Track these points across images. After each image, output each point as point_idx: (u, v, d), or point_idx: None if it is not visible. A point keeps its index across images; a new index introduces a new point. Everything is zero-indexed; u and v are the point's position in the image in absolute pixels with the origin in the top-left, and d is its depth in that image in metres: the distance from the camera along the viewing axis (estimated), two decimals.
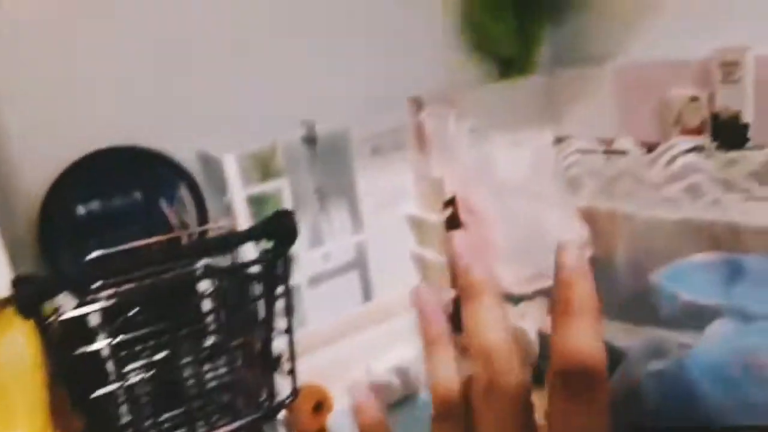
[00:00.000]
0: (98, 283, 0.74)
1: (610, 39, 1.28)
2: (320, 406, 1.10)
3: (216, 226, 0.90)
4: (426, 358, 0.36)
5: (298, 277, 1.17)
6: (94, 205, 1.09)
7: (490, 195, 1.05)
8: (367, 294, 1.31)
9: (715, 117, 1.08)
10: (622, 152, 0.69)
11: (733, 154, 0.60)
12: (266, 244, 0.80)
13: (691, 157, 0.62)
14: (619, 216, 0.74)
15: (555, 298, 0.31)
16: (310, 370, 1.12)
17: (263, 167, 1.10)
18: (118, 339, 0.70)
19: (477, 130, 0.99)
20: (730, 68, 1.05)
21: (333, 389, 1.12)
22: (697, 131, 1.12)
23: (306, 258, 1.18)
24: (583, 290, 0.30)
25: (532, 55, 1.37)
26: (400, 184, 1.25)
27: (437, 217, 1.23)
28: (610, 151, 0.72)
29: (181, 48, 1.08)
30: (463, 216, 1.28)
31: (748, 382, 0.69)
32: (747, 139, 1.05)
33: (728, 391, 0.73)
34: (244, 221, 0.99)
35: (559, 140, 1.17)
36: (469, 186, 1.22)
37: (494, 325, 0.33)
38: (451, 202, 1.28)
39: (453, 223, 1.28)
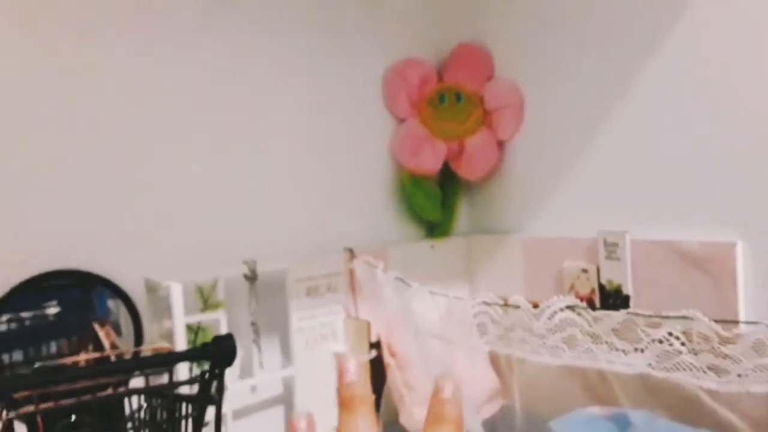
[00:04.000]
0: (26, 393, 0.79)
1: (515, 212, 1.51)
2: None
3: (152, 347, 0.96)
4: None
5: (225, 408, 1.21)
6: (28, 320, 1.14)
7: (410, 340, 1.17)
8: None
9: (602, 288, 1.28)
10: (516, 306, 0.84)
11: (597, 313, 0.75)
12: (202, 367, 0.88)
13: (567, 313, 0.77)
14: (514, 360, 0.87)
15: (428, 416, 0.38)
16: None
17: (204, 298, 1.19)
18: None
19: (401, 279, 1.13)
20: (612, 248, 1.26)
21: None
22: (588, 299, 1.31)
23: (234, 389, 1.23)
24: (451, 408, 0.38)
25: (452, 220, 1.58)
26: (330, 324, 1.36)
27: (364, 357, 1.33)
28: (507, 305, 0.87)
29: (134, 181, 1.21)
30: (386, 358, 1.38)
31: None
32: (628, 307, 1.25)
33: None
34: (182, 346, 1.06)
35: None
36: (393, 331, 1.34)
37: None
38: (375, 345, 1.39)
39: (377, 364, 1.38)
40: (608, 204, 1.31)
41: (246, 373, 1.27)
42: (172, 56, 1.25)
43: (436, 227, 1.57)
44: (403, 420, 1.32)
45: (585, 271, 1.31)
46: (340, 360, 0.40)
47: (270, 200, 1.37)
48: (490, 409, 1.26)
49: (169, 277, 1.15)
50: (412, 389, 1.32)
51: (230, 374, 1.24)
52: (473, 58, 1.53)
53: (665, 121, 1.19)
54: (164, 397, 0.90)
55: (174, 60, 1.25)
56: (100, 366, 0.88)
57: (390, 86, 1.52)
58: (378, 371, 1.37)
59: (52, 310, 1.17)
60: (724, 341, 0.66)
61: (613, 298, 1.27)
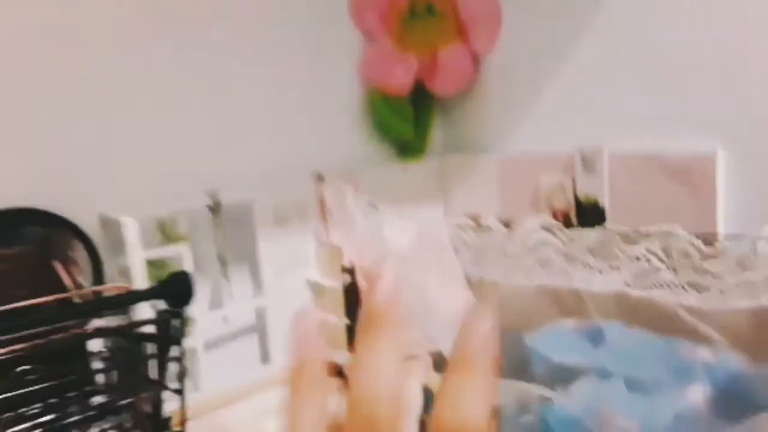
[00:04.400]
0: None
1: (490, 130, 1.45)
2: None
3: (111, 287, 0.92)
4: (290, 397, 0.31)
5: (196, 340, 1.18)
6: None
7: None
8: (265, 358, 1.33)
9: (578, 203, 1.25)
10: (488, 228, 0.80)
11: (572, 232, 0.72)
12: (162, 305, 0.84)
13: (542, 234, 0.73)
14: (488, 283, 0.84)
15: (452, 355, 0.30)
16: None
17: (165, 232, 1.13)
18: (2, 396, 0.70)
19: (372, 204, 1.08)
20: (589, 162, 1.22)
21: None
22: (564, 213, 1.28)
23: (205, 320, 1.20)
24: (480, 347, 0.29)
25: (425, 141, 1.51)
26: (301, 252, 1.31)
27: (336, 283, 1.30)
28: (479, 227, 0.83)
29: (87, 110, 1.12)
30: (360, 282, 1.36)
31: None
32: (604, 220, 1.22)
33: None
34: (141, 284, 1.01)
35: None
36: (366, 254, 1.31)
37: (387, 367, 0.29)
38: (349, 270, 1.36)
39: (351, 288, 1.36)
40: (586, 117, 1.26)
41: (216, 304, 1.24)
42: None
43: (408, 147, 1.51)
44: None
45: (561, 186, 1.27)
46: (371, 267, 0.32)
47: (231, 125, 1.28)
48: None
49: (127, 211, 1.08)
50: None
51: (199, 306, 1.21)
52: None
53: (642, 29, 1.12)
54: (125, 338, 0.87)
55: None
56: (49, 311, 0.84)
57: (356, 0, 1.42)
58: (352, 295, 1.35)
59: (9, 250, 1.11)
60: (706, 256, 0.63)
61: (589, 212, 1.24)
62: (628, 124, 1.18)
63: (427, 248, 0.92)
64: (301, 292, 1.32)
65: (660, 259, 0.65)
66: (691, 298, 0.63)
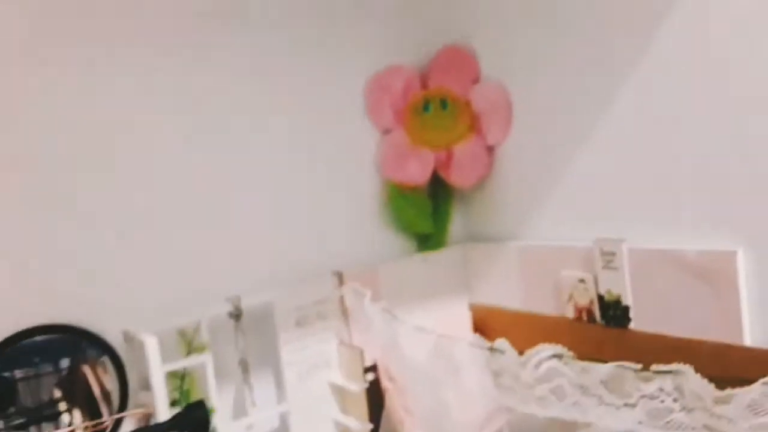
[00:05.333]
0: None
1: (509, 220, 1.45)
2: None
3: (132, 413, 0.93)
4: None
5: None
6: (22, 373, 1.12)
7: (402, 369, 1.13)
8: None
9: (600, 298, 1.23)
10: (501, 351, 0.80)
11: (585, 364, 0.70)
12: None
13: (554, 362, 0.72)
14: (503, 407, 0.83)
15: None
16: None
17: (187, 342, 1.15)
18: None
19: (388, 310, 1.09)
20: (609, 257, 1.20)
21: None
22: (587, 310, 1.26)
23: (228, 430, 1.20)
24: None
25: (444, 232, 1.52)
26: (323, 353, 1.32)
27: (359, 386, 1.29)
28: (493, 349, 0.83)
29: (112, 229, 1.17)
30: (384, 383, 1.35)
31: None
32: (629, 319, 1.19)
33: None
34: (161, 397, 1.02)
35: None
36: (388, 356, 1.30)
37: None
38: (372, 368, 1.35)
39: (375, 388, 1.35)
40: (605, 210, 1.25)
41: (240, 412, 1.24)
42: (153, 97, 1.20)
43: (428, 239, 1.52)
44: None
45: (582, 281, 1.25)
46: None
47: (251, 228, 1.32)
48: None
49: (150, 323, 1.11)
50: (412, 414, 1.28)
51: (223, 416, 1.22)
52: (458, 61, 1.46)
53: (661, 124, 1.12)
54: None
55: (154, 95, 1.20)
56: None
57: (372, 96, 1.46)
58: (376, 396, 1.33)
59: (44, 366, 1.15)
60: (718, 401, 0.61)
61: (612, 309, 1.21)
62: (648, 217, 1.16)
63: (441, 363, 0.91)
64: (324, 395, 1.31)
65: (674, 399, 0.64)
66: None
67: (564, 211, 1.34)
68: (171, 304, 1.18)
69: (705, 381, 0.62)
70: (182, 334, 1.16)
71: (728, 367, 1.06)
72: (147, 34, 1.20)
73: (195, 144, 1.26)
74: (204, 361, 1.14)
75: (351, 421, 1.29)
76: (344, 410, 1.33)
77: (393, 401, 1.31)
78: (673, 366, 0.64)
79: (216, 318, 1.19)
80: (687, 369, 0.63)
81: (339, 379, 1.31)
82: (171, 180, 1.23)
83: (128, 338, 1.09)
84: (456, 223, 1.55)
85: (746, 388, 0.59)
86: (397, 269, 1.45)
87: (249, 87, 1.32)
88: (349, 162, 1.45)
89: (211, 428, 0.82)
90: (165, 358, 1.09)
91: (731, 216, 1.04)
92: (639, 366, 0.67)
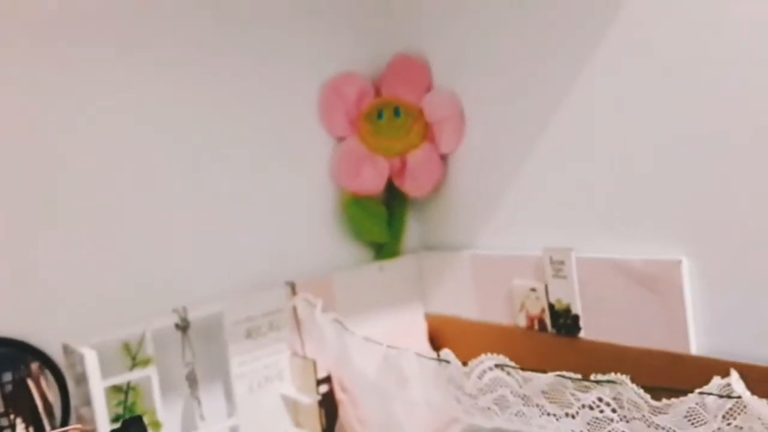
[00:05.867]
0: None
1: (463, 228, 1.45)
2: None
3: (73, 428, 0.90)
4: None
5: None
6: None
7: (355, 381, 1.12)
8: None
9: (551, 307, 1.24)
10: (447, 361, 0.79)
11: (527, 373, 0.70)
12: None
13: (497, 372, 0.72)
14: (449, 418, 0.82)
15: None
16: None
17: (132, 356, 1.12)
18: None
19: (338, 321, 1.07)
20: (558, 266, 1.22)
21: None
22: (539, 318, 1.27)
23: None
24: None
25: (399, 240, 1.52)
26: (275, 365, 1.29)
27: (312, 398, 1.27)
28: (439, 360, 0.82)
29: (55, 237, 1.13)
30: (338, 394, 1.33)
31: None
32: (579, 328, 1.21)
33: None
34: (101, 412, 0.99)
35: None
36: (341, 367, 1.28)
37: None
38: (326, 380, 1.34)
39: (329, 400, 1.33)
40: (554, 219, 1.26)
41: (188, 427, 1.21)
42: (103, 95, 1.16)
43: (383, 248, 1.51)
44: None
45: (534, 290, 1.26)
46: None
47: (200, 236, 1.29)
48: None
49: (92, 335, 1.08)
50: (365, 424, 1.27)
51: (171, 430, 1.18)
52: (411, 70, 1.46)
53: (608, 134, 1.14)
54: None
55: (96, 96, 1.17)
56: None
57: (325, 104, 1.45)
58: (329, 407, 1.32)
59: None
60: (655, 411, 0.61)
61: (563, 318, 1.23)
62: (595, 227, 1.18)
63: (390, 375, 0.90)
64: (276, 408, 1.29)
65: (612, 409, 0.64)
66: None
67: (516, 220, 1.35)
68: (115, 316, 1.14)
69: (641, 391, 0.62)
70: (126, 346, 1.12)
71: (675, 376, 1.08)
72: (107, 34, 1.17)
73: (143, 151, 1.23)
74: (149, 374, 1.11)
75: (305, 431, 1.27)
76: (297, 423, 1.31)
77: (347, 413, 1.30)
78: (611, 376, 0.64)
79: (162, 330, 1.16)
80: (624, 379, 0.63)
81: (292, 392, 1.28)
82: (118, 187, 1.20)
83: (68, 351, 1.05)
84: (411, 232, 1.55)
85: (682, 398, 0.60)
86: (352, 278, 1.44)
87: (201, 93, 1.29)
88: (303, 169, 1.43)
89: None
90: (108, 371, 1.05)
91: (676, 226, 1.06)
92: (579, 376, 0.67)
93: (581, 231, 1.21)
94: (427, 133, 1.44)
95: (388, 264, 1.50)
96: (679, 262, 1.05)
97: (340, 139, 1.46)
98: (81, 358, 0.99)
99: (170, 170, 1.26)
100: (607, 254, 1.15)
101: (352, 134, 1.45)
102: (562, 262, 1.21)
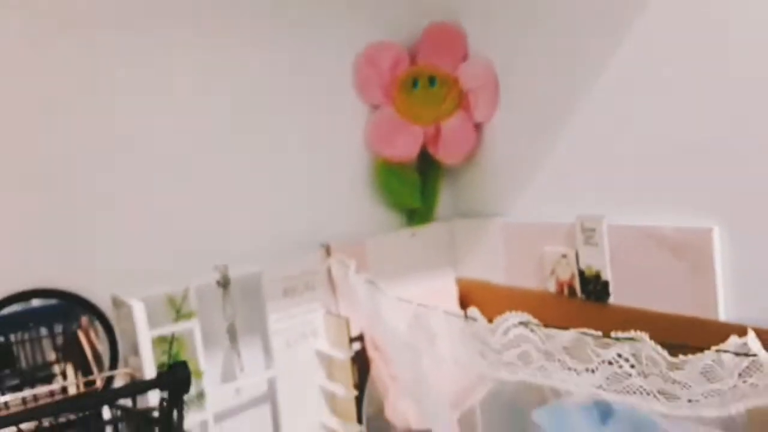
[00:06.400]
0: None
1: (496, 196, 1.47)
2: None
3: (121, 372, 0.97)
4: None
5: (207, 413, 1.22)
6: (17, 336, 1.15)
7: (386, 340, 1.16)
8: (276, 427, 1.36)
9: (581, 273, 1.25)
10: (474, 319, 0.82)
11: (549, 330, 0.73)
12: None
13: (521, 329, 0.75)
14: (476, 377, 0.86)
15: None
16: None
17: (176, 309, 1.18)
18: None
19: (371, 281, 1.11)
20: (590, 233, 1.23)
21: None
22: (568, 284, 1.29)
23: (217, 393, 1.24)
24: None
25: (432, 207, 1.55)
26: (310, 322, 1.35)
27: (345, 354, 1.33)
28: (467, 317, 0.85)
29: (98, 194, 1.19)
30: (370, 352, 1.38)
31: None
32: (609, 294, 1.22)
33: None
34: (148, 359, 1.06)
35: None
36: (373, 326, 1.33)
37: None
38: (359, 338, 1.39)
39: (361, 357, 1.38)
40: (587, 187, 1.27)
41: (228, 377, 1.28)
42: (148, 62, 1.22)
43: (416, 214, 1.54)
44: (388, 413, 1.33)
45: (564, 256, 1.28)
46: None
47: (240, 199, 1.34)
48: (466, 406, 1.24)
49: (139, 289, 1.14)
50: (396, 381, 1.32)
51: (212, 380, 1.25)
52: (446, 38, 1.47)
53: (644, 103, 1.13)
54: (135, 422, 0.92)
55: (148, 66, 1.22)
56: (67, 401, 0.89)
57: (361, 72, 1.47)
58: (362, 364, 1.37)
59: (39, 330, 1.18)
60: (672, 366, 0.63)
61: (593, 284, 1.24)
62: (628, 195, 1.18)
63: (420, 333, 0.94)
64: (311, 362, 1.35)
65: (631, 365, 0.66)
66: (662, 406, 0.63)
67: (548, 189, 1.36)
68: (160, 272, 1.20)
69: (659, 347, 0.64)
70: (171, 300, 1.19)
71: (701, 341, 1.09)
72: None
73: (186, 116, 1.28)
74: (192, 326, 1.17)
75: (337, 388, 1.32)
76: (331, 377, 1.37)
77: (378, 370, 1.35)
78: (631, 333, 0.66)
79: (204, 286, 1.23)
80: (643, 336, 0.65)
81: (326, 347, 1.34)
82: (161, 149, 1.25)
83: (117, 303, 1.12)
84: (444, 199, 1.58)
85: (699, 355, 0.62)
86: (385, 243, 1.48)
87: (240, 60, 1.33)
88: (339, 136, 1.47)
89: (188, 389, 0.85)
90: (153, 323, 1.12)
91: (708, 194, 1.06)
92: (599, 333, 0.70)
93: (613, 198, 1.22)
94: (462, 102, 1.45)
95: (421, 230, 1.53)
96: (711, 230, 1.05)
97: (375, 107, 1.49)
98: (130, 309, 1.06)
99: (212, 136, 1.31)
100: (639, 222, 1.15)
101: (386, 102, 1.47)
102: (593, 230, 1.22)
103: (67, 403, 0.89)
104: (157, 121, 1.25)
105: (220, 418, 1.27)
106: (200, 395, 1.20)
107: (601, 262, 1.22)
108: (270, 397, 1.35)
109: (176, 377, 0.83)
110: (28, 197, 1.13)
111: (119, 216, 1.21)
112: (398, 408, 1.31)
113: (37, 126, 1.14)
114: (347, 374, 1.32)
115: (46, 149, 1.15)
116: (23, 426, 0.83)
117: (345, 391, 1.32)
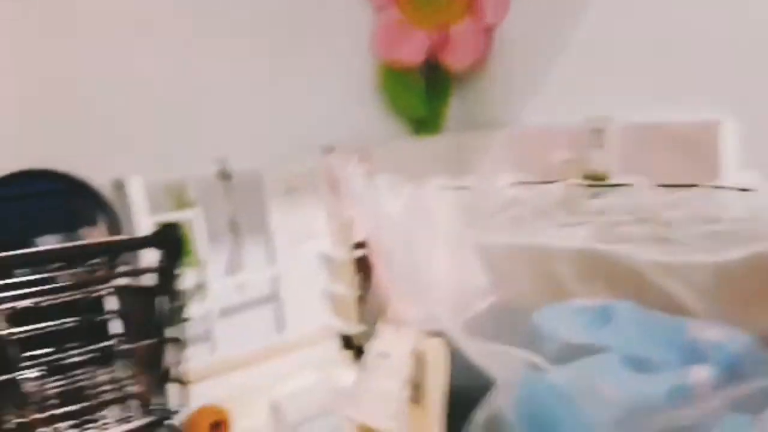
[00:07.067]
0: None
1: (504, 104, 1.45)
2: (218, 425, 1.16)
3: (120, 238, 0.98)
4: None
5: (211, 304, 1.24)
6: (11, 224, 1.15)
7: (393, 236, 1.16)
8: (280, 327, 1.38)
9: (588, 178, 1.23)
10: (465, 187, 0.82)
11: (541, 187, 0.72)
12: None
13: (513, 189, 0.74)
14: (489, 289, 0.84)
15: None
16: (217, 393, 1.18)
17: (176, 197, 1.19)
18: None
19: (369, 173, 1.11)
20: (597, 134, 1.21)
21: (235, 412, 1.18)
22: None
23: (220, 286, 1.25)
24: None
25: (440, 117, 1.52)
26: (312, 223, 1.35)
27: (348, 255, 1.33)
28: (463, 187, 0.85)
29: (100, 80, 1.18)
30: (372, 258, 1.38)
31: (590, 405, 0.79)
32: None
33: (572, 411, 0.82)
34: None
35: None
36: (377, 229, 1.33)
37: None
38: (362, 245, 1.39)
39: (363, 262, 1.39)
40: (594, 88, 1.24)
41: (231, 270, 1.29)
42: None
43: (423, 123, 1.52)
44: (390, 317, 1.34)
45: (571, 161, 1.26)
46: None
47: (242, 98, 1.32)
48: (476, 308, 1.24)
49: (138, 177, 1.13)
50: (398, 286, 1.32)
51: (214, 272, 1.27)
52: None
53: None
54: (131, 289, 0.93)
55: None
56: (66, 249, 0.89)
57: None
58: (364, 268, 1.37)
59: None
60: (667, 206, 0.62)
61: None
62: (635, 94, 1.16)
63: (417, 208, 0.94)
64: (314, 262, 1.36)
65: (624, 212, 0.65)
66: (656, 252, 0.63)
67: (557, 93, 1.33)
68: (159, 160, 1.19)
69: (655, 187, 0.63)
70: (169, 188, 1.18)
71: None
72: None
73: (190, 13, 1.26)
74: (193, 216, 1.18)
75: (339, 288, 1.33)
76: (332, 278, 1.38)
77: (379, 275, 1.35)
78: (626, 179, 0.65)
79: (205, 179, 1.22)
80: (640, 180, 0.64)
81: (328, 248, 1.35)
82: (169, 41, 1.23)
83: (117, 186, 1.12)
84: (453, 109, 1.55)
85: (694, 189, 0.61)
86: (390, 152, 1.46)
87: None
88: (343, 39, 1.43)
89: (183, 249, 0.86)
90: (154, 209, 1.12)
91: (716, 86, 1.04)
92: (589, 182, 0.69)
93: (622, 98, 1.19)
94: (472, 4, 1.42)
95: (428, 141, 1.51)
96: (718, 123, 1.02)
97: (380, 8, 1.45)
98: (131, 190, 1.06)
99: (212, 27, 1.28)
100: (648, 120, 1.13)
101: (392, 3, 1.43)
102: (600, 131, 1.20)
103: (68, 251, 0.88)
104: (170, 29, 1.23)
105: (224, 313, 1.29)
106: (201, 286, 1.21)
107: (611, 164, 1.19)
108: (273, 295, 1.37)
109: (168, 236, 0.83)
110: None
111: (119, 103, 1.19)
112: (400, 312, 1.32)
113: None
114: (349, 275, 1.33)
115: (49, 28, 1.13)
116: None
117: (348, 289, 1.33)
